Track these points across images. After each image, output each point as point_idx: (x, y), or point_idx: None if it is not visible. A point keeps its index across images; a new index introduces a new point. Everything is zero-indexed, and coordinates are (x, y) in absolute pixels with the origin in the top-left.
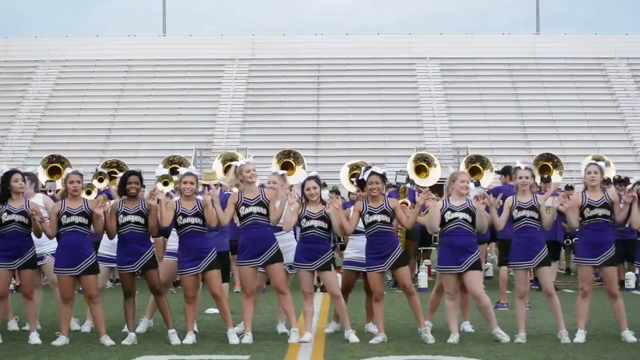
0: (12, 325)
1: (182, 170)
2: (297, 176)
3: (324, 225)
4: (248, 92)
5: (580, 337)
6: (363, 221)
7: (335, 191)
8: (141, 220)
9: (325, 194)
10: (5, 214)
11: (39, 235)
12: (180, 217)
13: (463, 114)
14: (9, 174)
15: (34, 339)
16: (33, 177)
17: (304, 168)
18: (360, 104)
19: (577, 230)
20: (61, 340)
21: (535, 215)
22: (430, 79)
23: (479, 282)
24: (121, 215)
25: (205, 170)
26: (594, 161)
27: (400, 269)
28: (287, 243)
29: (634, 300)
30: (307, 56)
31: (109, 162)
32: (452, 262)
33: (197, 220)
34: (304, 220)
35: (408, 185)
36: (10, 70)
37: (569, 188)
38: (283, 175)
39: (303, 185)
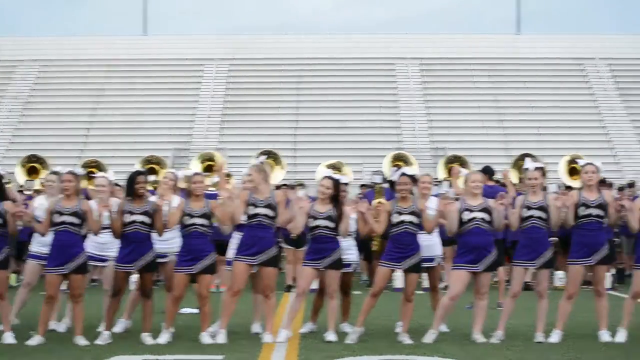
0: None
1: (187, 171)
2: (275, 176)
3: (331, 224)
4: (227, 92)
5: (555, 337)
6: (390, 220)
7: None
8: (147, 220)
9: (301, 193)
10: None
11: (14, 235)
12: (187, 217)
13: (442, 114)
14: None
15: (8, 339)
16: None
17: (282, 168)
18: (339, 104)
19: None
20: (35, 340)
21: (544, 216)
22: (410, 79)
23: (489, 282)
24: (127, 214)
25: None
26: (590, 161)
27: (412, 274)
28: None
29: (610, 301)
30: (287, 56)
31: (88, 162)
32: (469, 262)
33: (203, 221)
34: (311, 219)
35: (384, 185)
36: None
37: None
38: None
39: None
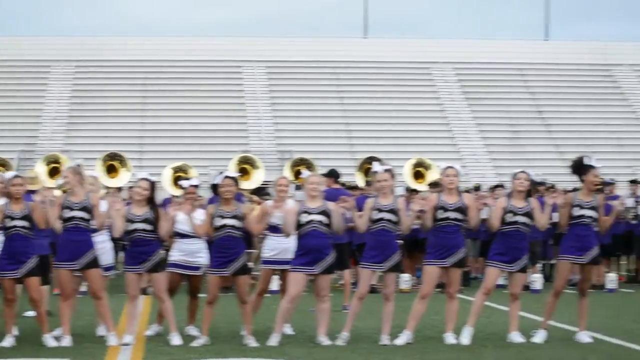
0: None
1: (7, 174)
2: (121, 179)
3: (149, 227)
4: (74, 94)
5: (402, 338)
6: (213, 224)
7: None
8: (27, 224)
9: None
10: None
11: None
12: (8, 220)
13: (288, 117)
14: None
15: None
16: None
17: (128, 170)
18: (186, 106)
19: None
20: None
21: (394, 219)
22: (256, 82)
23: (328, 285)
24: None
25: (27, 172)
26: (451, 165)
27: (241, 277)
28: (101, 245)
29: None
30: (134, 58)
31: None
32: (306, 264)
33: (24, 223)
34: (129, 223)
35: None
36: None
37: None
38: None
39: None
